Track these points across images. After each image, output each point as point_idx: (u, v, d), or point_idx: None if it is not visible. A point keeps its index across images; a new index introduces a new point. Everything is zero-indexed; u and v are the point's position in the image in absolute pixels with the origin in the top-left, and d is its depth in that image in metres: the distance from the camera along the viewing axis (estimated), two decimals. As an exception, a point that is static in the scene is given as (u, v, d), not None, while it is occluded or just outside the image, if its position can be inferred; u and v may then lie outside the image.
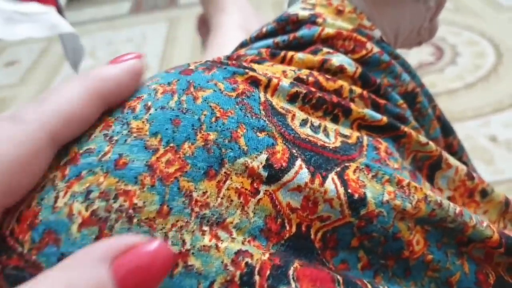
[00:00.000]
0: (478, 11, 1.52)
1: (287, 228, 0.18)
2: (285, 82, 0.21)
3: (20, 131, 0.14)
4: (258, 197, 0.17)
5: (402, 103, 0.26)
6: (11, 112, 0.15)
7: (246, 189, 0.17)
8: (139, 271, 0.12)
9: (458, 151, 0.31)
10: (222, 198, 0.17)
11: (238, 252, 0.16)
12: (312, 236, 0.18)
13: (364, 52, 0.26)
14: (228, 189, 0.17)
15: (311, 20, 0.27)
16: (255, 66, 0.22)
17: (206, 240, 0.16)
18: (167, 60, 1.43)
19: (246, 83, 0.20)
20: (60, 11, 0.60)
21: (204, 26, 0.57)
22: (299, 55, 0.24)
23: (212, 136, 0.17)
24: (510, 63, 1.24)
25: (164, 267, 0.12)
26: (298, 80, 0.23)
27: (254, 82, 0.21)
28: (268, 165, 0.18)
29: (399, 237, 0.19)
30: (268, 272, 0.16)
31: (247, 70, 0.21)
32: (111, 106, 0.17)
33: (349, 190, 0.19)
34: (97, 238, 0.14)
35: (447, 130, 0.30)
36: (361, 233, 0.19)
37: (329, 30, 0.26)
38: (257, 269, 0.16)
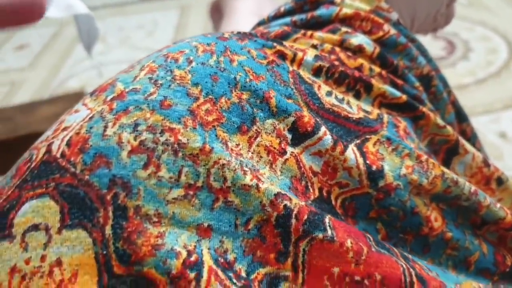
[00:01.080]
0: (492, 7, 1.50)
1: (311, 191, 0.18)
2: (309, 56, 0.22)
3: None
4: (285, 157, 0.18)
5: (418, 85, 0.26)
6: None
7: (274, 148, 0.18)
8: None
9: (471, 138, 0.31)
10: (252, 153, 0.17)
11: (278, 194, 0.16)
12: (333, 202, 0.18)
13: (381, 33, 0.26)
14: (258, 145, 0.18)
15: (329, 0, 0.27)
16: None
17: (248, 179, 0.16)
18: (177, 48, 1.42)
19: (275, 56, 0.21)
20: (74, -8, 0.60)
21: (217, 12, 0.57)
22: (319, 33, 0.25)
23: (245, 95, 0.18)
24: (523, 59, 1.23)
25: None
26: (321, 57, 0.23)
27: (281, 55, 0.21)
28: (293, 128, 0.18)
29: (417, 212, 0.19)
30: (305, 216, 0.16)
31: (275, 44, 0.21)
32: None
33: (368, 162, 0.19)
34: (146, 165, 0.15)
35: (461, 116, 0.30)
36: (379, 206, 0.19)
37: (347, 10, 0.26)
38: (294, 212, 0.16)
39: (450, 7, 0.32)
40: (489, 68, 1.20)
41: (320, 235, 0.16)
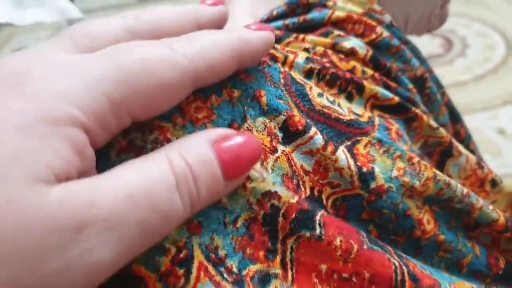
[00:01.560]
0: (489, 3, 1.50)
1: (302, 189, 0.18)
2: (300, 59, 0.22)
3: (172, 59, 0.14)
4: (276, 155, 0.18)
5: (412, 87, 0.26)
6: (165, 40, 0.15)
7: (265, 146, 0.17)
8: (233, 153, 0.14)
9: (465, 139, 0.30)
10: None
11: (265, 194, 0.16)
12: (324, 202, 0.18)
13: (374, 36, 0.26)
14: None
15: (322, 3, 0.27)
16: None
17: None
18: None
19: (266, 57, 0.20)
20: (69, -4, 0.60)
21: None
22: (311, 37, 0.24)
23: (236, 93, 0.17)
24: (520, 55, 1.23)
25: (253, 155, 0.14)
26: (312, 59, 0.23)
27: (272, 58, 0.21)
28: (284, 127, 0.18)
29: (409, 215, 0.19)
30: (293, 215, 0.16)
31: None
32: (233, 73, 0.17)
33: (358, 163, 0.19)
34: None
35: (455, 117, 0.30)
36: (371, 208, 0.19)
37: (339, 13, 0.26)
38: (282, 211, 0.16)
39: (444, 8, 0.32)
40: (486, 65, 1.20)
41: (307, 234, 0.16)
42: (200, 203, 0.13)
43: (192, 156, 0.13)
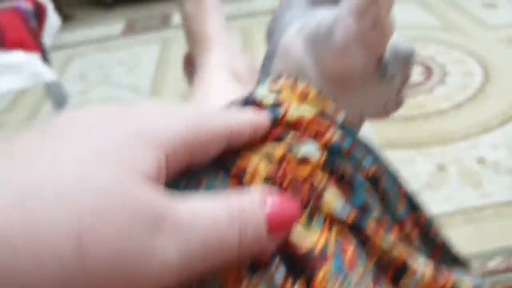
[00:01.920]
0: (465, 30, 1.53)
1: None
2: (259, 178, 0.22)
3: (217, 115, 0.20)
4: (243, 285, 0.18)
5: (366, 187, 0.26)
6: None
7: (232, 273, 0.18)
8: (277, 214, 0.17)
9: (425, 226, 0.30)
10: None
11: None
12: None
13: (325, 139, 0.26)
14: None
15: (275, 106, 0.28)
16: None
17: None
18: (159, 80, 1.43)
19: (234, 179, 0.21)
20: (45, 56, 0.60)
21: (190, 65, 0.57)
22: (268, 143, 0.25)
23: None
24: (497, 81, 1.25)
25: (291, 218, 0.18)
26: (268, 177, 0.23)
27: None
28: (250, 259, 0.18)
29: None
30: None
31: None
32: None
33: None
34: None
35: (414, 206, 0.30)
36: None
37: (290, 118, 0.27)
38: None
39: (399, 94, 0.33)
40: (466, 92, 1.22)
41: None
42: (246, 244, 0.16)
43: (246, 204, 0.16)
